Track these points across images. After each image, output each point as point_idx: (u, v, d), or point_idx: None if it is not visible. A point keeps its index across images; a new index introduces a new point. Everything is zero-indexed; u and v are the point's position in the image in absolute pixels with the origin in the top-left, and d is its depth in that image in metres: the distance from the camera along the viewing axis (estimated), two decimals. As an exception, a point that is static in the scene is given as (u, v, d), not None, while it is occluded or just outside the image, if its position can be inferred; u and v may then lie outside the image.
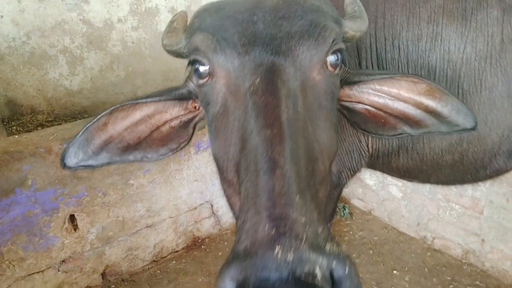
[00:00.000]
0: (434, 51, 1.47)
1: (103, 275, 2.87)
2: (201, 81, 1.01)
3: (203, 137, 2.97)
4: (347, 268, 0.59)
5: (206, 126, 1.10)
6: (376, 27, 1.54)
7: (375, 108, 1.15)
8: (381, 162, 1.77)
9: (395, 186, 3.35)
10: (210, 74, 0.98)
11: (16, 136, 2.53)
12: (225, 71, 0.94)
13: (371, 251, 3.16)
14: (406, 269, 2.96)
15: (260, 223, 0.64)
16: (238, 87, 0.91)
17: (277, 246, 0.59)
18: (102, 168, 1.39)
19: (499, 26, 1.41)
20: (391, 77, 1.12)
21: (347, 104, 1.16)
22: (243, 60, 0.91)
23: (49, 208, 2.44)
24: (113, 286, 2.88)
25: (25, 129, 3.26)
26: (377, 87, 1.12)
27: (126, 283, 2.91)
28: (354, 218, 3.60)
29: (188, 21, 1.15)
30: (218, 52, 0.94)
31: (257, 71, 0.88)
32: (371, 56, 1.56)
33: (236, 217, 0.85)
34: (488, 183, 2.70)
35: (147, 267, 3.04)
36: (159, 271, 3.03)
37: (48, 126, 3.22)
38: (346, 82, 1.11)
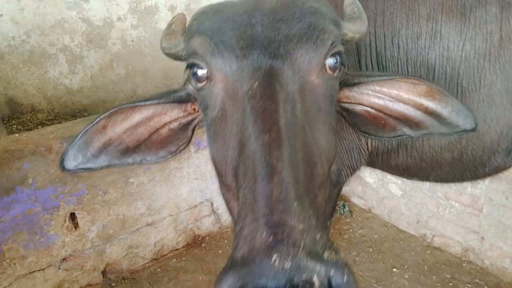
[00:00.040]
0: (433, 48, 1.47)
1: (103, 273, 2.88)
2: (199, 85, 1.00)
3: (203, 136, 2.97)
4: (345, 276, 0.59)
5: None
6: (376, 25, 1.54)
7: (375, 109, 1.14)
8: (381, 160, 1.77)
9: (395, 184, 3.35)
10: (208, 77, 0.97)
11: (17, 135, 2.53)
12: (223, 74, 0.93)
13: (371, 249, 3.17)
14: (406, 267, 2.97)
15: (258, 230, 0.63)
16: (236, 91, 0.90)
17: (274, 254, 0.58)
18: (102, 167, 1.39)
19: (498, 23, 1.41)
20: (391, 78, 1.11)
21: (346, 105, 1.16)
22: (241, 64, 0.90)
23: (49, 206, 2.45)
24: (114, 284, 2.89)
25: (25, 127, 3.26)
26: (377, 88, 1.12)
27: (126, 281, 2.92)
28: (354, 216, 3.61)
29: (187, 23, 1.15)
30: (216, 55, 0.93)
31: (255, 75, 0.87)
32: (370, 54, 1.56)
33: (235, 222, 0.84)
34: (487, 181, 2.71)
35: (147, 265, 3.05)
36: (159, 269, 3.04)
37: (48, 125, 3.23)
38: (346, 84, 1.11)
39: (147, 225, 2.96)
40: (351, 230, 3.41)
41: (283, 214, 0.65)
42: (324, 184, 0.91)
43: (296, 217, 0.65)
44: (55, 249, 2.55)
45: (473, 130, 1.12)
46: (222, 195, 1.04)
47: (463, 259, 3.01)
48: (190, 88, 1.10)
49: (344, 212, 3.62)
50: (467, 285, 2.77)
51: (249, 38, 0.92)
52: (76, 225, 2.61)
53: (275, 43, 0.90)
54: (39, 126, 3.24)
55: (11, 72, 3.38)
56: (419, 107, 1.11)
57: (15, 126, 3.26)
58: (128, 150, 1.17)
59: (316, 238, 0.63)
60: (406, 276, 2.88)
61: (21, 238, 2.39)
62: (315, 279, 0.57)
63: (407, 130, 1.15)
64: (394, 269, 2.95)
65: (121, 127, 1.14)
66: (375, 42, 1.55)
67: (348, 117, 1.19)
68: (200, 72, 0.98)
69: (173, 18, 1.20)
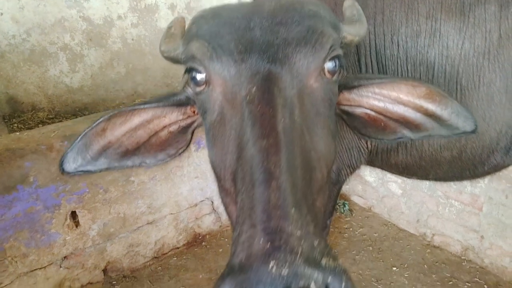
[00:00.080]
0: (433, 47, 1.47)
1: (104, 271, 2.89)
2: (198, 89, 1.00)
3: (203, 134, 2.97)
4: (343, 283, 0.58)
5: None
6: (375, 23, 1.54)
7: (375, 111, 1.14)
8: (380, 159, 1.78)
9: (395, 183, 3.36)
10: (207, 82, 0.97)
11: (18, 133, 2.54)
12: (221, 79, 0.93)
13: (370, 248, 3.18)
14: (406, 265, 2.98)
15: (255, 237, 0.63)
16: (235, 96, 0.90)
17: (272, 261, 0.58)
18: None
19: (497, 22, 1.41)
20: (391, 81, 1.11)
21: (346, 108, 1.16)
22: (239, 68, 0.90)
23: (50, 204, 2.46)
24: (115, 282, 2.90)
25: (26, 126, 3.27)
26: (377, 90, 1.12)
27: (127, 279, 2.93)
28: (354, 214, 3.61)
29: (186, 26, 1.14)
30: (214, 60, 0.93)
31: (254, 80, 0.87)
32: (370, 53, 1.56)
33: (233, 227, 0.83)
34: (487, 180, 2.71)
35: (148, 263, 3.06)
36: (160, 268, 3.05)
37: (49, 123, 3.24)
38: (346, 86, 1.10)
39: (147, 223, 2.97)
40: (351, 229, 3.42)
41: (280, 220, 0.65)
42: (323, 189, 0.90)
43: (294, 224, 0.64)
44: (56, 247, 2.57)
45: (473, 132, 1.12)
46: (221, 199, 1.04)
47: (462, 258, 3.01)
48: (189, 91, 1.09)
49: (344, 210, 3.63)
50: (467, 284, 2.78)
51: (247, 42, 0.91)
52: (77, 224, 2.62)
53: (274, 47, 0.90)
54: (40, 125, 3.25)
55: (12, 71, 3.39)
56: (419, 109, 1.11)
57: (16, 125, 3.27)
58: (128, 153, 1.18)
59: (314, 244, 0.63)
60: (406, 275, 2.89)
61: (22, 236, 2.40)
62: (313, 286, 0.57)
63: (407, 133, 1.15)
64: (394, 268, 2.96)
65: (120, 130, 1.14)
66: (375, 40, 1.55)
67: (348, 120, 1.19)
68: (199, 77, 0.98)
69: (172, 21, 1.20)
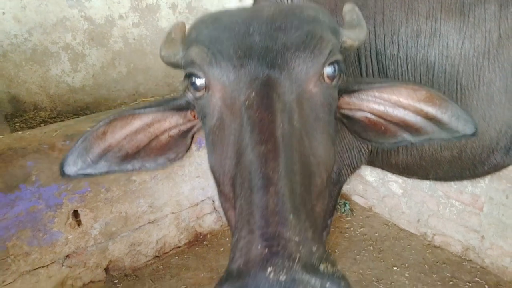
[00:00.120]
0: (433, 46, 1.48)
1: (106, 270, 2.90)
2: (197, 94, 1.00)
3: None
4: None
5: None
6: (375, 23, 1.54)
7: (375, 115, 1.14)
8: (381, 159, 1.78)
9: (396, 183, 3.36)
10: (206, 87, 0.97)
11: (20, 133, 2.56)
12: (220, 84, 0.93)
13: (371, 248, 3.18)
14: (406, 265, 2.98)
15: (253, 242, 0.63)
16: (234, 101, 0.90)
17: (269, 267, 0.58)
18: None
19: (497, 21, 1.41)
20: (391, 85, 1.11)
21: (346, 112, 1.16)
22: (238, 74, 0.90)
23: (53, 203, 2.47)
24: (116, 281, 2.91)
25: (28, 125, 3.29)
26: (377, 94, 1.12)
27: (129, 278, 2.95)
28: (354, 214, 3.62)
29: (186, 31, 1.14)
30: (214, 65, 0.93)
31: (252, 85, 0.87)
32: (370, 53, 1.56)
33: (232, 232, 0.83)
34: (487, 180, 2.71)
35: (149, 262, 3.08)
36: (161, 267, 3.06)
37: (51, 123, 3.25)
38: (346, 91, 1.11)
39: (149, 222, 2.99)
40: (352, 229, 3.42)
41: (278, 226, 0.64)
42: (322, 194, 0.90)
43: (292, 229, 0.64)
44: (58, 246, 2.58)
45: (473, 135, 1.12)
46: (220, 204, 1.04)
47: (463, 257, 3.01)
48: (189, 96, 1.10)
49: (345, 210, 3.63)
50: (467, 283, 2.78)
51: (246, 47, 0.91)
52: (79, 223, 2.63)
53: (273, 52, 0.90)
54: (42, 124, 3.26)
55: (14, 70, 3.40)
56: (419, 112, 1.11)
57: (18, 124, 3.29)
58: (128, 157, 1.18)
59: (312, 250, 0.62)
60: (406, 275, 2.89)
61: (25, 235, 2.41)
62: None
63: (407, 136, 1.15)
64: (395, 268, 2.96)
65: (121, 133, 1.15)
66: (375, 40, 1.55)
67: (348, 124, 1.19)
68: (198, 82, 0.98)
69: (172, 27, 1.20)
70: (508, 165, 1.67)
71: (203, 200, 3.24)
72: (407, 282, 2.83)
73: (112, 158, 1.16)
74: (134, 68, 3.99)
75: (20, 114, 3.47)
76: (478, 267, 2.91)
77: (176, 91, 4.18)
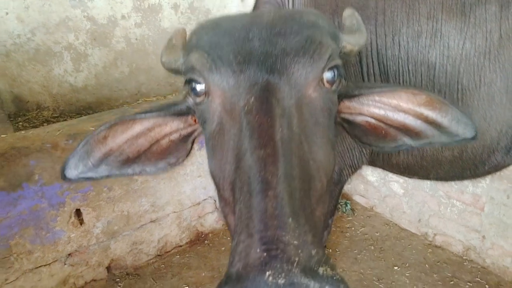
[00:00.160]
0: (434, 47, 1.48)
1: (108, 268, 2.92)
2: (197, 99, 1.01)
3: (206, 134, 2.99)
4: None
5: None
6: (376, 24, 1.55)
7: (375, 119, 1.15)
8: (382, 159, 1.79)
9: (397, 183, 3.36)
10: (206, 92, 0.98)
11: (23, 132, 2.57)
12: (220, 90, 0.94)
13: (372, 247, 3.19)
14: (407, 265, 2.98)
15: (252, 246, 0.63)
16: (233, 106, 0.91)
17: (268, 270, 0.58)
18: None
19: (497, 22, 1.42)
20: (391, 89, 1.12)
21: (347, 116, 1.17)
22: (238, 79, 0.91)
23: (55, 202, 2.49)
24: (118, 279, 2.93)
25: (31, 125, 3.31)
26: (377, 98, 1.13)
27: (130, 277, 2.96)
28: (356, 214, 3.62)
29: (187, 37, 1.15)
30: (214, 71, 0.93)
31: (252, 90, 0.88)
32: (371, 53, 1.57)
33: (232, 236, 0.83)
34: (488, 180, 2.71)
35: (151, 261, 3.09)
36: (163, 265, 3.07)
37: (53, 122, 3.27)
38: (346, 95, 1.11)
39: (151, 221, 3.00)
40: (353, 228, 3.43)
41: (277, 230, 0.65)
42: (322, 198, 0.90)
43: (291, 233, 0.65)
44: (61, 245, 2.60)
45: (473, 138, 1.12)
46: (220, 208, 1.04)
47: (464, 257, 3.01)
48: (190, 101, 1.10)
49: (346, 210, 3.64)
50: (468, 283, 2.78)
51: (246, 53, 0.92)
52: (81, 221, 2.65)
53: (272, 57, 0.91)
54: (45, 124, 3.28)
55: (17, 70, 3.42)
56: (419, 116, 1.12)
57: (21, 124, 3.31)
58: (128, 161, 1.19)
59: (311, 254, 0.63)
60: (407, 274, 2.89)
61: (27, 233, 2.43)
62: None
63: (407, 140, 1.15)
64: (396, 267, 2.97)
65: (121, 138, 1.16)
66: (376, 41, 1.56)
67: (348, 128, 1.19)
68: (198, 87, 0.98)
69: (173, 33, 1.21)
70: (508, 165, 1.68)
71: (204, 199, 3.25)
72: (407, 281, 2.83)
73: (113, 162, 1.17)
74: (136, 68, 4.01)
75: (23, 113, 3.49)
76: (479, 267, 2.91)
77: (178, 91, 4.19)
